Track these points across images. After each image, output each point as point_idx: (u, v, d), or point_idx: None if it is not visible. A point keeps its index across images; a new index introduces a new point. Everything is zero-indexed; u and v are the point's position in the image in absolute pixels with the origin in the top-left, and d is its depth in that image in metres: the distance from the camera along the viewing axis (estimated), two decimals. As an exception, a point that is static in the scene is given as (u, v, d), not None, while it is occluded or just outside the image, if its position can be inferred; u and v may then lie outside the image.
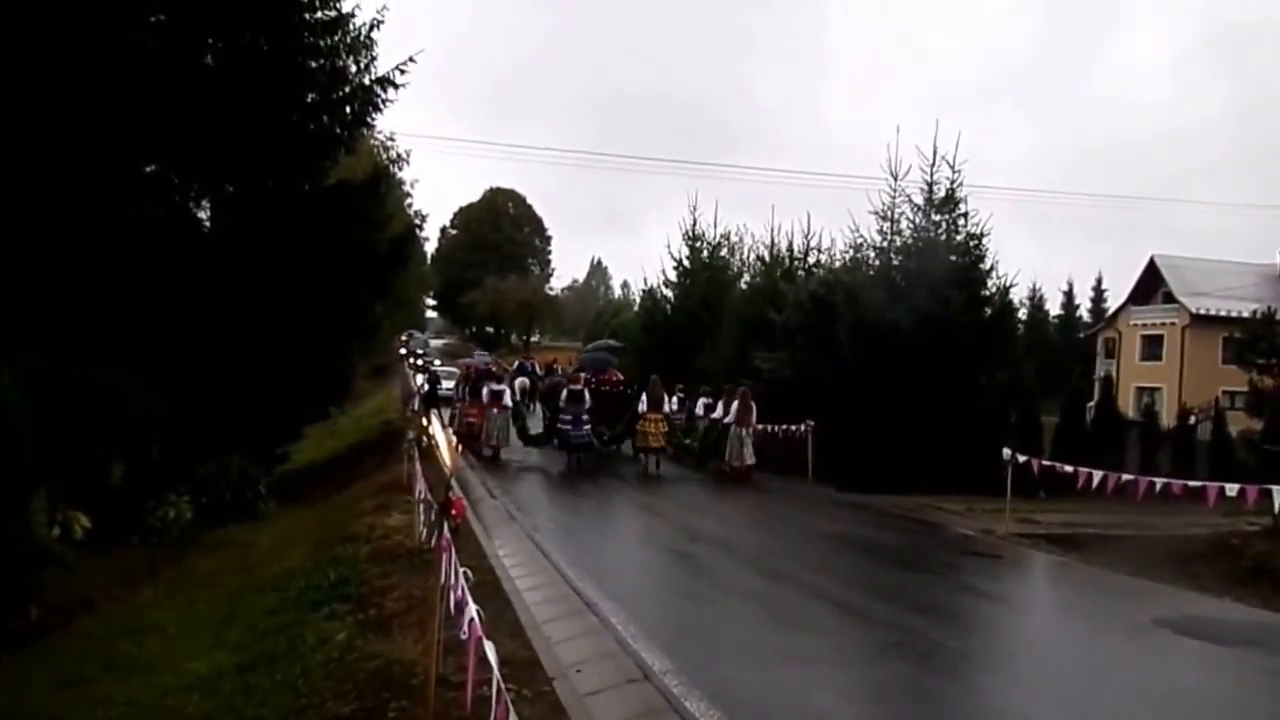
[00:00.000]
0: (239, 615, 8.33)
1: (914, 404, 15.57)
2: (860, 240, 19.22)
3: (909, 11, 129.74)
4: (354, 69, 18.25)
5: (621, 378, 20.61)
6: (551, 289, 79.42)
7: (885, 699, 5.50)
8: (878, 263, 18.55)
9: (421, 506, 9.24)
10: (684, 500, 14.48)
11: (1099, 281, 51.27)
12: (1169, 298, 35.22)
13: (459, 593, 4.35)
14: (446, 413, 20.31)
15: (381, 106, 18.34)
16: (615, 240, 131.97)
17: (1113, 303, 44.69)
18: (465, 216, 77.20)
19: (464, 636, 4.08)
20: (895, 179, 17.74)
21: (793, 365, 18.22)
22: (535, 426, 18.82)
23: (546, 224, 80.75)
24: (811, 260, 23.67)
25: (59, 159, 14.28)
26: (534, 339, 72.34)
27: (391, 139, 36.86)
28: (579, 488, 15.27)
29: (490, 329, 75.13)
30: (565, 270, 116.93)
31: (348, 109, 18.28)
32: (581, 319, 74.12)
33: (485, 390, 18.08)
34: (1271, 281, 34.20)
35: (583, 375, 19.53)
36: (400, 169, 38.66)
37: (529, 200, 79.13)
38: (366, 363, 34.02)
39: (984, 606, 8.21)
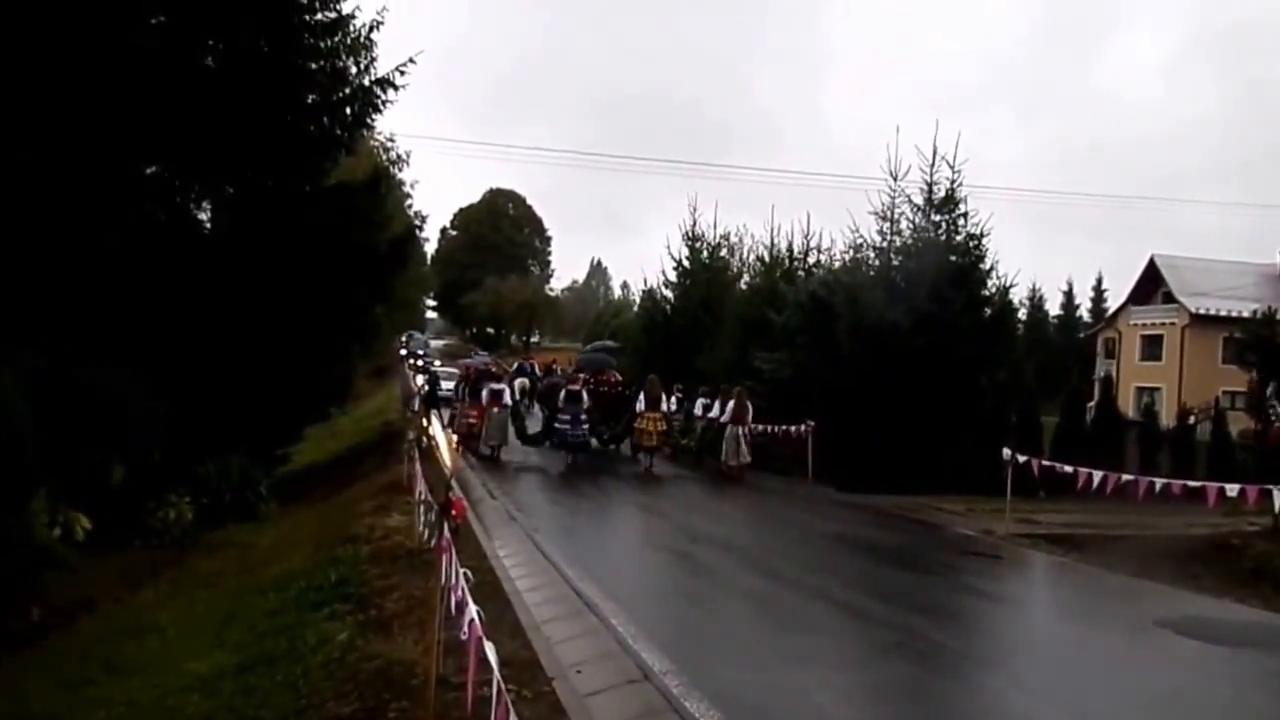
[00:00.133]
0: (239, 616, 8.33)
1: (914, 404, 15.58)
2: (860, 240, 19.27)
3: (907, 12, 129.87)
4: (354, 70, 18.27)
5: (619, 378, 20.74)
6: (551, 290, 79.50)
7: (885, 699, 5.50)
8: (877, 263, 18.57)
9: (421, 507, 9.25)
10: (683, 500, 14.49)
11: (1099, 281, 51.37)
12: (1169, 298, 35.23)
13: (459, 593, 4.36)
14: (446, 413, 20.33)
15: (381, 108, 18.37)
16: (615, 241, 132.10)
17: (1113, 303, 44.75)
18: (465, 217, 77.23)
19: (464, 637, 4.08)
20: (895, 179, 17.79)
21: (793, 365, 18.22)
22: (534, 426, 18.87)
23: (546, 225, 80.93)
24: (811, 261, 23.70)
25: (59, 159, 14.29)
26: (534, 340, 72.35)
27: (391, 140, 36.97)
28: (578, 488, 15.28)
29: (490, 330, 75.15)
30: (565, 271, 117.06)
31: (348, 110, 18.30)
32: (581, 320, 74.13)
33: (485, 391, 18.10)
34: (1271, 281, 34.19)
35: (581, 376, 19.67)
36: (400, 170, 38.76)
37: (529, 201, 79.29)
38: (367, 364, 34.05)
39: (984, 607, 8.21)
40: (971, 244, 17.64)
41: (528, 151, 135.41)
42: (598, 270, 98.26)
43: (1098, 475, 10.65)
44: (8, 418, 9.89)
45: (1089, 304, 50.89)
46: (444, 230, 77.35)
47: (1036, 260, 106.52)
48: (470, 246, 74.65)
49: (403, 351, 47.00)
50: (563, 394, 17.54)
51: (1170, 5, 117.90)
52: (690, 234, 26.97)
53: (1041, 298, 48.44)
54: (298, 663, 6.20)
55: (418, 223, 42.79)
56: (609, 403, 18.70)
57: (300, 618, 7.36)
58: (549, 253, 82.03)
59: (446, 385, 24.40)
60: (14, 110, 13.81)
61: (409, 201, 43.54)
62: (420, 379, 28.80)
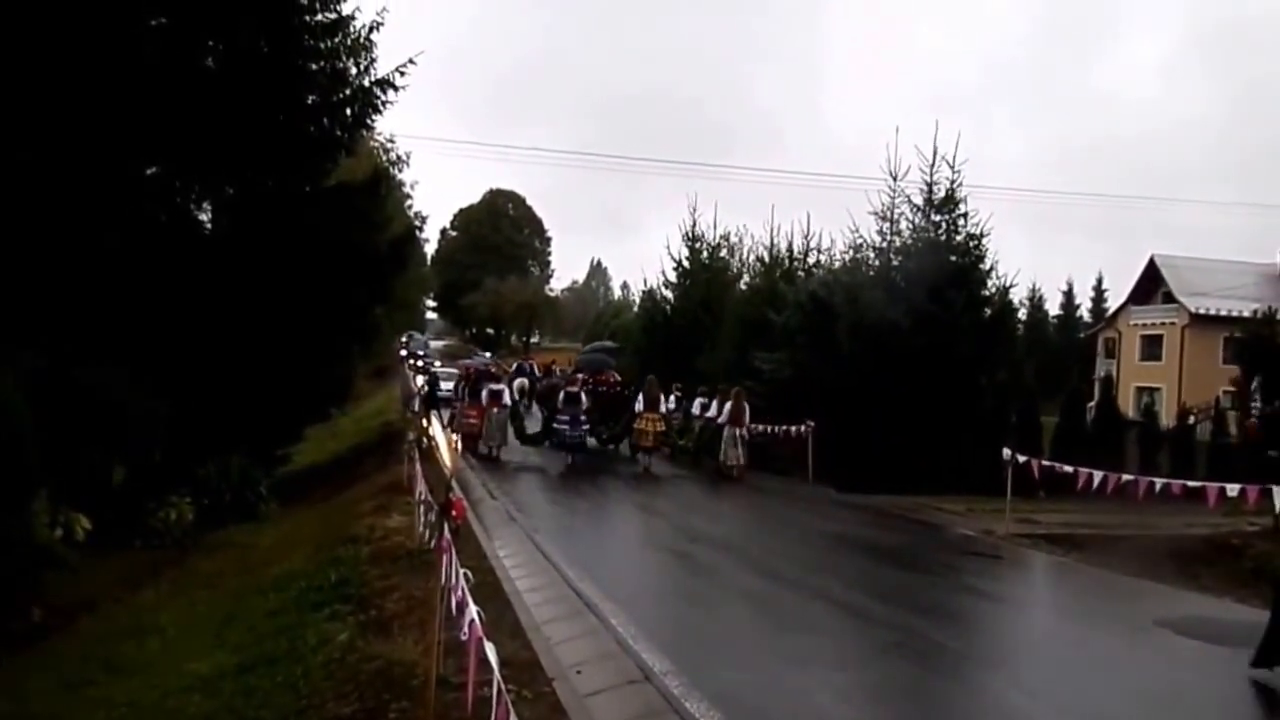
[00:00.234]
0: (240, 616, 8.34)
1: (914, 404, 15.58)
2: (860, 241, 19.30)
3: (907, 12, 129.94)
4: (354, 71, 18.31)
5: (618, 378, 20.80)
6: (551, 290, 79.48)
7: (886, 699, 5.51)
8: (877, 263, 18.58)
9: (422, 507, 9.25)
10: (682, 500, 14.49)
11: (1099, 281, 51.35)
12: (1169, 297, 35.23)
13: (459, 594, 4.36)
14: (446, 414, 20.34)
15: (381, 108, 18.40)
16: (615, 241, 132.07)
17: (1113, 303, 44.73)
18: (465, 218, 77.23)
19: (464, 637, 4.08)
20: (894, 179, 17.81)
21: (792, 366, 18.23)
22: (533, 427, 18.92)
23: (546, 225, 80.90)
24: (811, 261, 23.71)
25: (60, 160, 14.30)
26: (534, 340, 72.36)
27: (391, 141, 36.95)
28: (578, 488, 15.28)
29: (490, 330, 75.15)
30: (565, 271, 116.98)
31: (348, 111, 18.32)
32: (581, 320, 74.13)
33: (484, 391, 18.13)
34: (1271, 281, 34.18)
35: (580, 376, 19.71)
36: (400, 171, 38.75)
37: (529, 201, 79.28)
38: (367, 364, 34.05)
39: (984, 607, 8.21)
40: (971, 244, 17.66)
41: (528, 152, 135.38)
42: (597, 270, 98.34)
43: (1098, 475, 10.64)
44: (8, 418, 9.89)
45: (1089, 304, 50.92)
46: (444, 231, 77.45)
47: (1036, 260, 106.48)
48: (470, 247, 74.65)
49: (403, 352, 47.01)
50: (562, 394, 17.59)
51: (1170, 4, 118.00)
52: (690, 234, 27.01)
53: (1041, 298, 48.50)
54: (298, 663, 6.20)
55: (418, 223, 42.92)
56: (608, 403, 18.75)
57: (300, 618, 7.36)
58: (549, 253, 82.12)
59: (446, 386, 24.42)
60: (14, 110, 13.82)
61: (409, 202, 43.61)
62: (420, 379, 28.83)
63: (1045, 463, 12.42)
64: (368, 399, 35.16)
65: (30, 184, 13.94)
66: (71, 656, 8.32)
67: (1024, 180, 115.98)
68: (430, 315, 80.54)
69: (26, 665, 8.27)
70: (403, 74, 18.16)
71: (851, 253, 20.26)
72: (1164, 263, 35.96)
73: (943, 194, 17.52)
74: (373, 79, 18.24)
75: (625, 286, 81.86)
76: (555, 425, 17.44)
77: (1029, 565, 10.43)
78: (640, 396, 17.57)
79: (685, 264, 26.96)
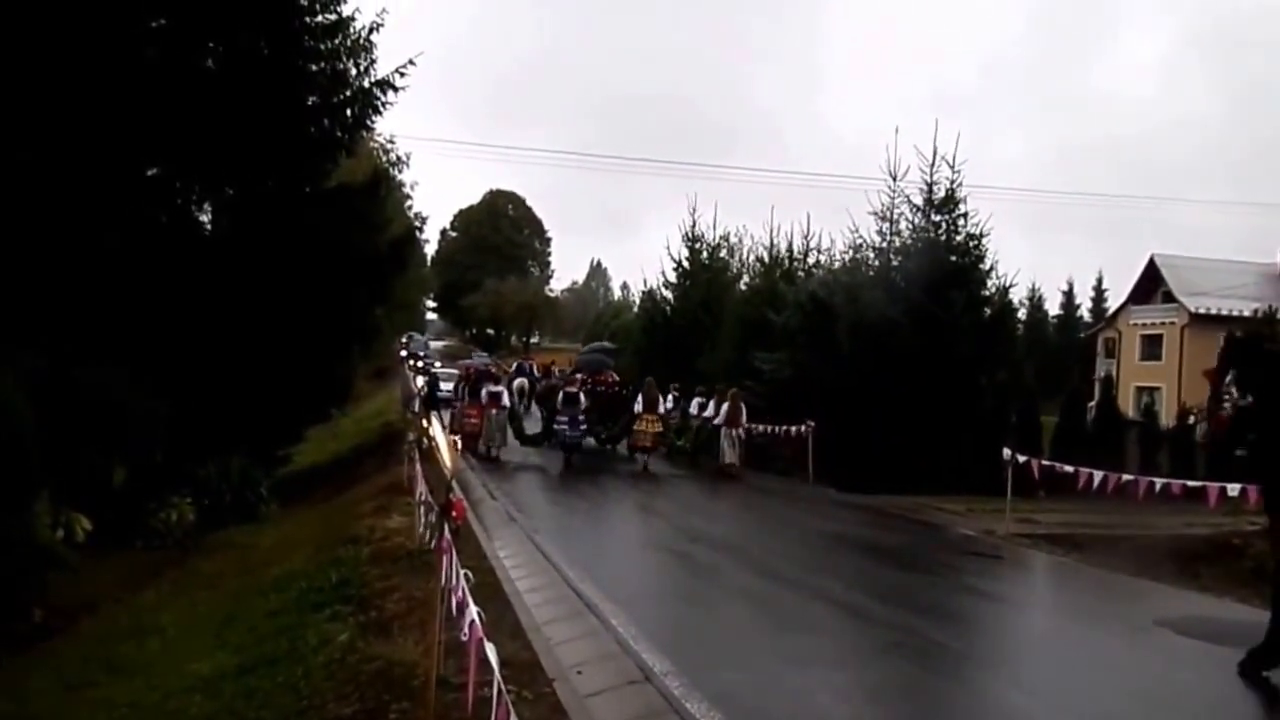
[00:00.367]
0: (240, 617, 8.34)
1: (914, 404, 15.59)
2: (859, 241, 19.32)
3: (906, 12, 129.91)
4: (354, 72, 18.36)
5: (617, 379, 20.88)
6: (551, 291, 79.55)
7: (886, 700, 5.51)
8: (877, 263, 18.60)
9: (422, 508, 9.26)
10: (682, 500, 14.50)
11: (1099, 281, 51.36)
12: (1169, 297, 35.23)
13: (460, 594, 4.36)
14: (446, 414, 20.35)
15: (381, 109, 18.45)
16: (615, 242, 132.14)
17: (1113, 302, 44.74)
18: (465, 219, 77.27)
19: (465, 638, 4.08)
20: (894, 180, 17.83)
21: (792, 366, 18.25)
22: (533, 427, 18.98)
23: (546, 226, 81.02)
24: (811, 261, 23.74)
25: (61, 160, 14.32)
26: (534, 341, 72.36)
27: (391, 142, 37.04)
28: (578, 488, 15.30)
29: (490, 331, 75.15)
30: (565, 272, 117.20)
31: (348, 112, 18.35)
32: (581, 320, 74.15)
33: (483, 391, 18.16)
34: (1271, 281, 34.19)
35: (578, 377, 19.79)
36: (400, 171, 38.85)
37: (528, 202, 79.37)
38: (367, 365, 34.06)
39: (985, 607, 8.22)
40: (971, 244, 17.67)
41: (527, 152, 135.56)
42: (597, 271, 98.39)
43: (1098, 475, 10.64)
44: (9, 418, 9.90)
45: (1089, 304, 50.94)
46: (444, 231, 77.54)
47: (1036, 260, 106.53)
48: (470, 248, 74.68)
49: (403, 353, 47.01)
50: (561, 395, 17.70)
51: (1169, 4, 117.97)
52: (690, 234, 27.04)
53: (1041, 298, 48.53)
54: (299, 664, 6.21)
55: (418, 224, 42.94)
56: (606, 403, 18.89)
57: (301, 619, 7.36)
58: (549, 254, 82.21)
59: (446, 386, 24.43)
60: (15, 110, 13.83)
61: (409, 203, 43.67)
62: (420, 380, 28.83)
63: (1045, 463, 12.42)
64: (368, 399, 35.17)
65: (31, 184, 13.96)
66: (72, 657, 8.33)
67: (1024, 180, 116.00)
68: (430, 316, 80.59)
69: (28, 666, 8.28)
70: (402, 75, 18.22)
71: (851, 253, 20.32)
72: (1164, 262, 35.96)
73: (942, 194, 17.55)
74: (373, 80, 18.30)
75: (625, 287, 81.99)
76: (556, 425, 17.53)
77: (1029, 565, 10.43)
78: (639, 397, 17.66)
79: (685, 264, 26.98)
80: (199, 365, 15.33)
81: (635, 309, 41.22)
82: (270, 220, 17.09)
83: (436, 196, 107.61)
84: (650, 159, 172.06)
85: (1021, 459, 11.84)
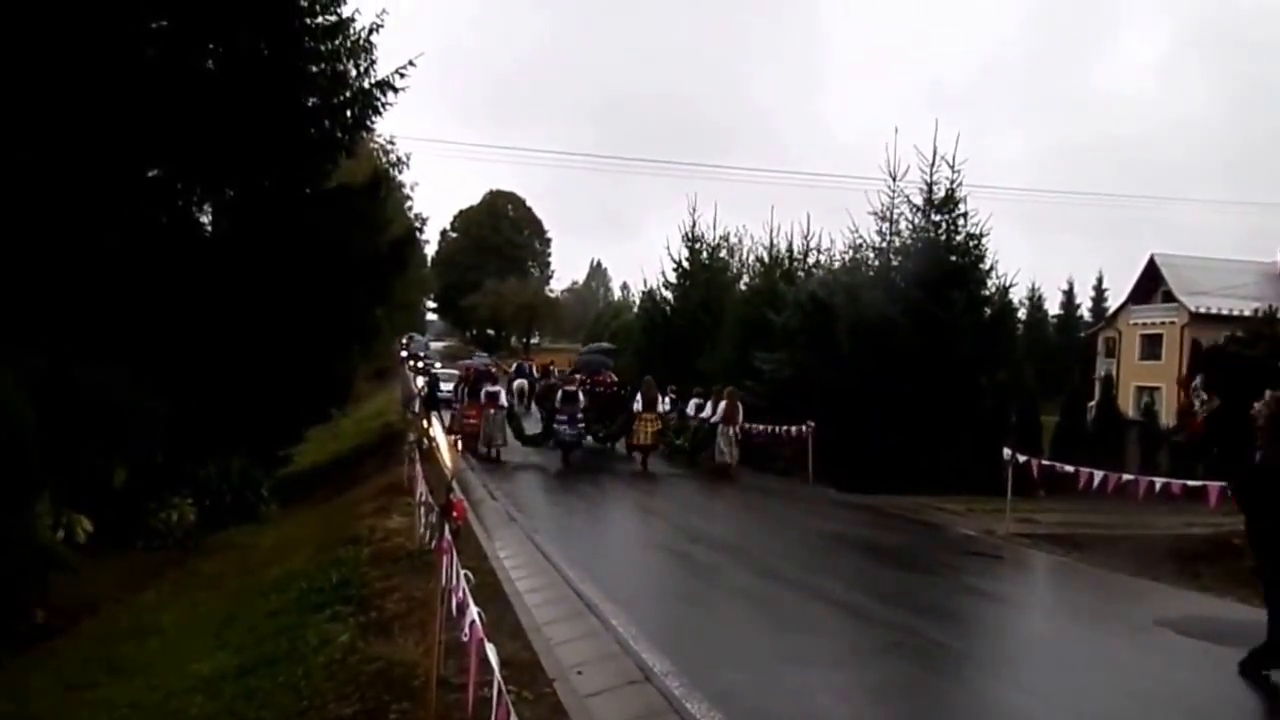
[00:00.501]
0: (241, 617, 8.35)
1: (914, 404, 15.59)
2: (859, 241, 19.32)
3: (906, 12, 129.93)
4: (354, 73, 18.38)
5: (615, 379, 20.96)
6: (551, 291, 79.52)
7: (886, 700, 5.51)
8: (877, 263, 18.60)
9: (422, 508, 9.26)
10: (681, 500, 14.51)
11: (1099, 281, 51.33)
12: (1169, 297, 35.22)
13: (460, 595, 4.36)
14: (447, 415, 20.36)
15: (381, 110, 18.46)
16: (615, 242, 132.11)
17: (1113, 302, 44.72)
18: (465, 219, 77.26)
19: (465, 638, 4.09)
20: (894, 180, 17.83)
21: (793, 366, 18.25)
22: (532, 427, 19.03)
23: (546, 226, 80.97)
24: (811, 261, 23.75)
25: (61, 161, 14.33)
26: (534, 341, 72.36)
27: (391, 142, 37.05)
28: (578, 488, 15.31)
29: (490, 331, 75.15)
30: (565, 272, 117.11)
31: (348, 113, 18.36)
32: (581, 321, 74.16)
33: (482, 392, 18.20)
34: (1272, 280, 34.15)
35: (577, 377, 19.89)
36: (400, 172, 38.85)
37: (528, 203, 79.35)
38: (367, 365, 34.05)
39: (985, 607, 8.22)
40: (971, 244, 17.67)
41: (527, 153, 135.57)
42: (597, 271, 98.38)
43: (1098, 475, 10.64)
44: (10, 418, 9.91)
45: (1089, 303, 50.92)
46: (444, 232, 77.51)
47: (1036, 260, 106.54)
48: (470, 248, 74.68)
49: (403, 353, 47.00)
50: (560, 394, 17.76)
51: (1169, 4, 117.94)
52: (690, 235, 27.05)
53: (1041, 298, 48.50)
54: (299, 664, 6.21)
55: (418, 225, 42.94)
56: (605, 403, 19.02)
57: (301, 619, 7.37)
58: (549, 254, 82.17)
59: (446, 387, 24.45)
60: (15, 111, 13.84)
61: (409, 203, 43.68)
62: (420, 381, 28.84)
63: (1045, 462, 12.42)
64: (368, 400, 35.16)
65: (31, 185, 13.97)
66: (73, 657, 8.34)
67: (1023, 180, 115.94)
68: (430, 316, 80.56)
69: (29, 666, 8.29)
70: (402, 76, 18.23)
71: (851, 253, 20.32)
72: (1164, 262, 35.95)
73: (942, 194, 17.55)
74: (373, 81, 18.31)
75: (625, 287, 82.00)
76: (555, 425, 17.61)
77: (1029, 565, 10.43)
78: (638, 396, 17.75)
79: (685, 264, 26.98)
80: (199, 366, 15.33)
81: (635, 309, 41.21)
82: (270, 221, 17.09)
83: (437, 197, 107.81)
84: (650, 159, 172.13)
85: (1021, 459, 11.84)
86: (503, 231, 76.21)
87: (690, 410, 18.78)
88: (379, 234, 20.54)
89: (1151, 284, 36.68)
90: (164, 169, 17.16)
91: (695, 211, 27.01)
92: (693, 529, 11.62)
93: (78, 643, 8.96)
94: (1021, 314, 34.32)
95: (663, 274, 27.68)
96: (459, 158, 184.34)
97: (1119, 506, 11.95)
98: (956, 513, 13.28)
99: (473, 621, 3.98)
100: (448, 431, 13.28)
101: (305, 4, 17.63)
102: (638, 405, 17.61)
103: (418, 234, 43.28)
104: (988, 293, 17.93)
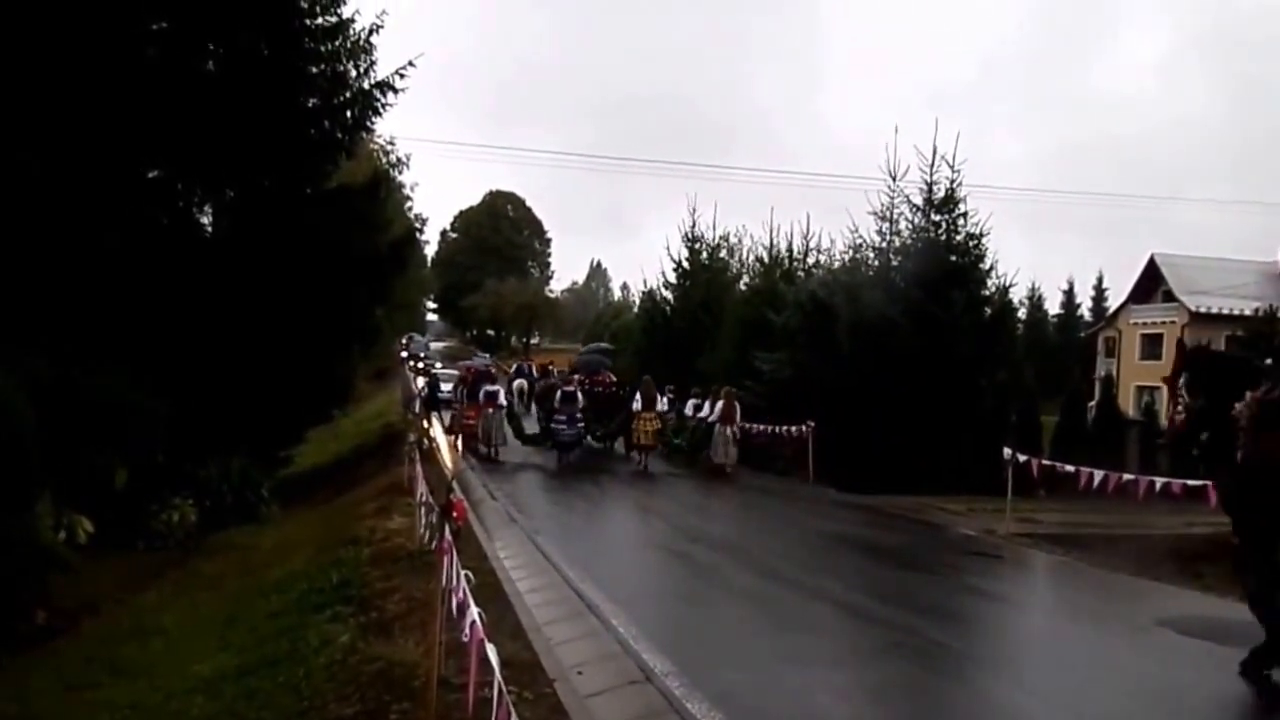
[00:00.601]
0: (242, 618, 8.35)
1: (914, 404, 15.59)
2: (859, 241, 19.33)
3: (906, 12, 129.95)
4: (354, 74, 18.40)
5: (614, 379, 21.03)
6: (551, 291, 79.50)
7: (887, 699, 5.51)
8: (877, 263, 18.61)
9: (422, 509, 9.26)
10: (681, 499, 14.52)
11: (1099, 280, 51.27)
12: (1169, 296, 35.21)
13: (460, 595, 4.36)
14: (447, 415, 20.38)
15: (381, 111, 18.47)
16: (615, 242, 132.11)
17: (1113, 302, 44.70)
18: (465, 219, 77.26)
19: (465, 639, 4.09)
20: (894, 179, 17.84)
21: (793, 366, 18.26)
22: (532, 427, 19.07)
23: (546, 226, 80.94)
24: (811, 261, 23.74)
25: (62, 161, 14.34)
26: (534, 341, 72.37)
27: (391, 143, 37.06)
28: (578, 488, 15.32)
29: (491, 332, 75.16)
30: (565, 272, 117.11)
31: (348, 113, 18.37)
32: (581, 321, 74.16)
33: (481, 392, 18.22)
34: (1272, 280, 34.15)
35: (576, 377, 19.96)
36: (400, 173, 38.86)
37: (528, 203, 79.33)
38: (367, 366, 34.07)
39: (985, 606, 8.22)
40: (971, 244, 17.68)
41: (528, 153, 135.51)
42: (597, 271, 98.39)
43: (1098, 474, 10.64)
44: (10, 419, 9.91)
45: (1089, 303, 50.88)
46: (444, 232, 77.49)
47: (1036, 260, 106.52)
48: (470, 248, 74.69)
49: (403, 354, 46.98)
50: (559, 394, 17.79)
51: (1169, 4, 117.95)
52: (690, 235, 27.00)
53: (1041, 297, 48.42)
54: (300, 665, 6.21)
55: (418, 225, 43.03)
56: (604, 403, 19.07)
57: (302, 620, 7.37)
58: (549, 254, 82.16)
59: (446, 387, 24.46)
60: (15, 111, 13.85)
61: (409, 204, 43.71)
62: (420, 381, 28.84)
63: (1045, 462, 12.42)
64: (368, 400, 35.16)
65: (31, 185, 13.97)
66: (74, 658, 8.34)
67: (1023, 180, 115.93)
68: (431, 317, 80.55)
69: (29, 666, 8.30)
70: (403, 76, 18.24)
71: (851, 253, 20.33)
72: (1164, 261, 35.94)
73: (942, 194, 17.56)
74: (373, 81, 18.33)
75: (625, 287, 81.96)
76: (554, 425, 17.62)
77: (1030, 565, 10.43)
78: (637, 395, 17.78)
79: (685, 265, 26.95)
80: (200, 366, 15.34)
81: (635, 309, 41.18)
82: (270, 221, 17.10)
83: (437, 197, 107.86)
84: (650, 159, 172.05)
85: (1022, 459, 11.84)
86: (503, 232, 76.21)
87: (688, 410, 18.83)
88: (379, 234, 20.55)
89: (1152, 284, 36.68)
90: (164, 169, 17.17)
91: (695, 211, 27.00)
92: (692, 529, 11.62)
93: (79, 643, 8.96)
94: (1021, 314, 34.32)
95: (663, 274, 27.68)
96: (459, 158, 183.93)
97: (1119, 506, 11.94)
98: (957, 513, 13.28)
99: (473, 622, 3.99)
100: (448, 431, 13.27)
101: (305, 5, 17.64)
102: (637, 405, 17.67)
103: (418, 234, 43.41)
104: (988, 293, 17.94)
